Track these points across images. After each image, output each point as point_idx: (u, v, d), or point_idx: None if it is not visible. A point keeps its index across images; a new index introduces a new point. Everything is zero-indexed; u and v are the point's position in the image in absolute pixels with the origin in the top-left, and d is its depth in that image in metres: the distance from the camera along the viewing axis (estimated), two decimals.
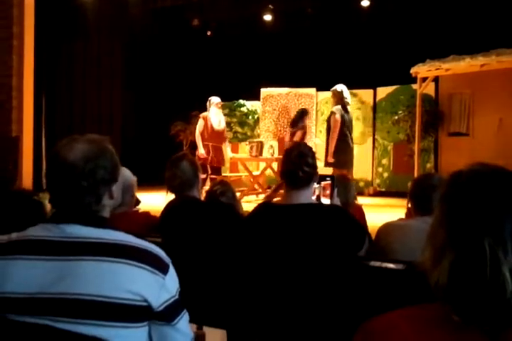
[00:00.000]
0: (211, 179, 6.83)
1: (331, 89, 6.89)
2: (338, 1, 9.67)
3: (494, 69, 7.27)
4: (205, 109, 7.60)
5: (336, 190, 2.46)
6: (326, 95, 9.26)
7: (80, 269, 1.15)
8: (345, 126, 6.50)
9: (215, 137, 7.27)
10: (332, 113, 6.63)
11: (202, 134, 7.22)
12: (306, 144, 2.30)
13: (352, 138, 6.73)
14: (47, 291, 1.13)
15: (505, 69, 7.24)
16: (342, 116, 6.48)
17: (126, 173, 2.60)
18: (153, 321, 1.19)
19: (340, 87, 6.69)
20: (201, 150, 7.04)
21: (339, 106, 6.55)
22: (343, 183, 3.29)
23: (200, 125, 7.26)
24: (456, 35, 8.37)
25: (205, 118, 7.27)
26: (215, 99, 7.33)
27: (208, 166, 6.94)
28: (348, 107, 6.74)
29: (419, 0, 8.86)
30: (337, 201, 2.48)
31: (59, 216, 1.25)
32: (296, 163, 2.06)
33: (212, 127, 7.22)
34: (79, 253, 1.17)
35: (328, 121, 6.70)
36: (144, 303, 1.16)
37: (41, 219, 2.53)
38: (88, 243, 1.19)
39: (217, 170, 7.32)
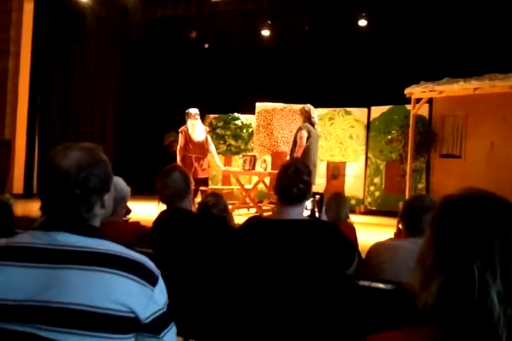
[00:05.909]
0: (201, 191, 6.77)
1: (300, 108, 7.14)
2: (336, 20, 9.80)
3: (487, 93, 7.36)
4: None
5: (324, 208, 2.47)
6: (321, 112, 9.33)
7: (67, 278, 1.14)
8: (310, 142, 6.71)
9: (196, 148, 7.27)
10: (299, 129, 6.89)
11: (184, 148, 7.22)
12: (303, 161, 2.30)
13: (316, 154, 6.97)
14: (34, 299, 1.12)
15: (498, 94, 7.33)
16: (309, 132, 6.72)
17: (121, 183, 2.59)
18: (140, 333, 1.18)
19: (308, 106, 6.96)
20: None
21: (307, 124, 6.82)
22: (336, 200, 3.30)
23: (180, 139, 7.27)
24: (451, 59, 8.50)
25: (183, 132, 7.27)
26: (192, 111, 7.31)
27: (192, 178, 6.82)
28: (316, 125, 6.99)
29: (417, 22, 9.00)
30: (324, 218, 2.48)
31: (49, 223, 1.24)
32: (292, 179, 2.05)
33: (191, 139, 7.22)
34: (67, 262, 1.16)
35: (295, 136, 6.89)
36: (131, 315, 1.14)
37: (8, 220, 2.55)
38: (77, 252, 1.18)
39: (203, 182, 7.25)
